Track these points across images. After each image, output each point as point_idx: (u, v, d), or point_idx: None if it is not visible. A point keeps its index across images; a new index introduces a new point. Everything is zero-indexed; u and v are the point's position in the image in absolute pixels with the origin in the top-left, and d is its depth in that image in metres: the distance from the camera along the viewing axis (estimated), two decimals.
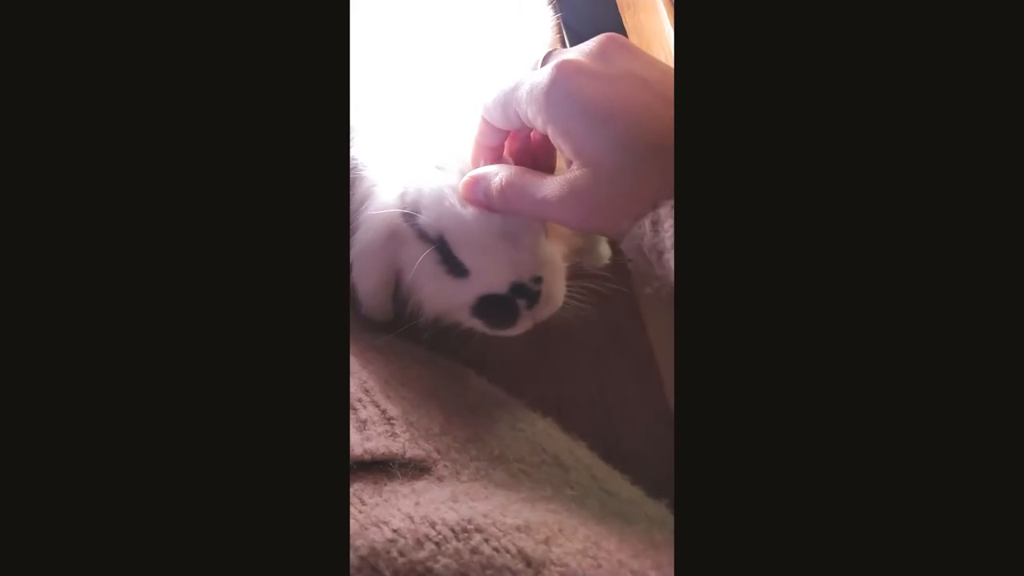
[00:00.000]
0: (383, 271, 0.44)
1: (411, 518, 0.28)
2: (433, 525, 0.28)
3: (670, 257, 0.29)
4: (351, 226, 0.44)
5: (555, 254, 0.42)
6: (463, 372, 0.46)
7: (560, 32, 0.52)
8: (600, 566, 0.28)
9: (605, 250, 0.51)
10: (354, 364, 0.38)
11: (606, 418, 0.51)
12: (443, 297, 0.43)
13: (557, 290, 0.41)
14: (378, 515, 0.28)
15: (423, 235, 0.41)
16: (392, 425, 0.34)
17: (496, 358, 0.48)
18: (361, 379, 0.36)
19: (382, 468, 0.32)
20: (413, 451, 0.33)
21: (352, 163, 0.43)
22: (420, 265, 0.41)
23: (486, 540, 0.27)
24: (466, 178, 0.38)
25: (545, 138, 0.34)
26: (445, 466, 0.33)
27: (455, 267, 0.41)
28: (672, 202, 0.29)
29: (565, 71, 0.32)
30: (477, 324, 0.42)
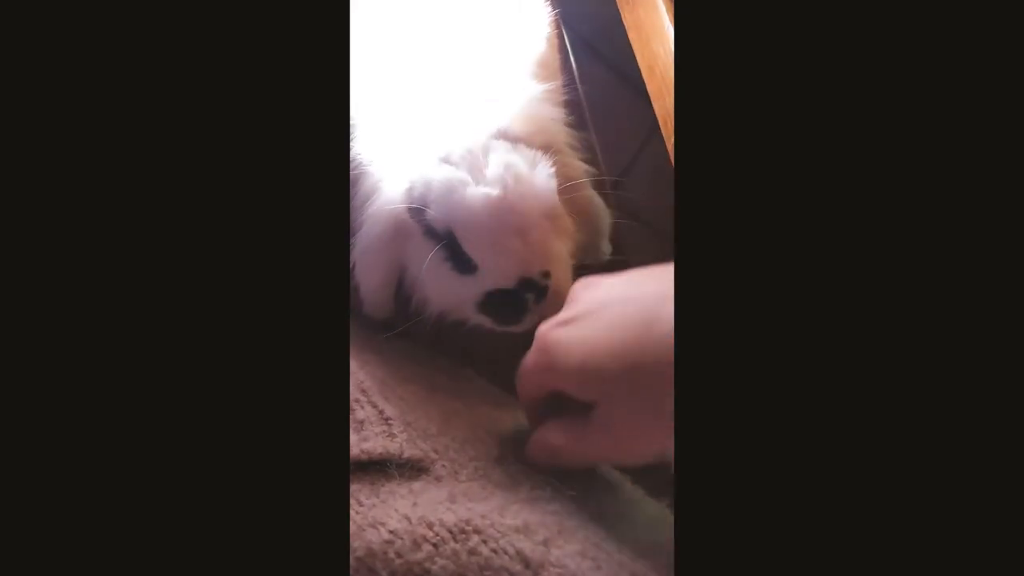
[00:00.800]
0: (387, 267, 0.44)
1: (409, 519, 0.27)
2: (431, 526, 0.27)
3: None
4: (356, 222, 0.44)
5: (563, 250, 0.42)
6: (462, 371, 0.46)
7: (559, 29, 0.52)
8: (600, 567, 0.27)
9: (606, 246, 0.51)
10: (351, 364, 0.38)
11: None
12: (449, 293, 0.42)
13: (564, 285, 0.41)
14: (375, 516, 0.28)
15: (430, 230, 0.41)
16: (389, 425, 0.33)
17: (495, 357, 0.48)
18: (358, 379, 0.35)
19: (379, 468, 0.31)
20: (411, 451, 0.33)
21: (355, 159, 0.43)
22: (420, 260, 0.41)
23: (484, 541, 0.27)
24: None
25: None
26: (443, 466, 0.33)
27: (462, 263, 0.40)
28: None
29: (543, 346, 0.33)
30: (484, 320, 0.42)
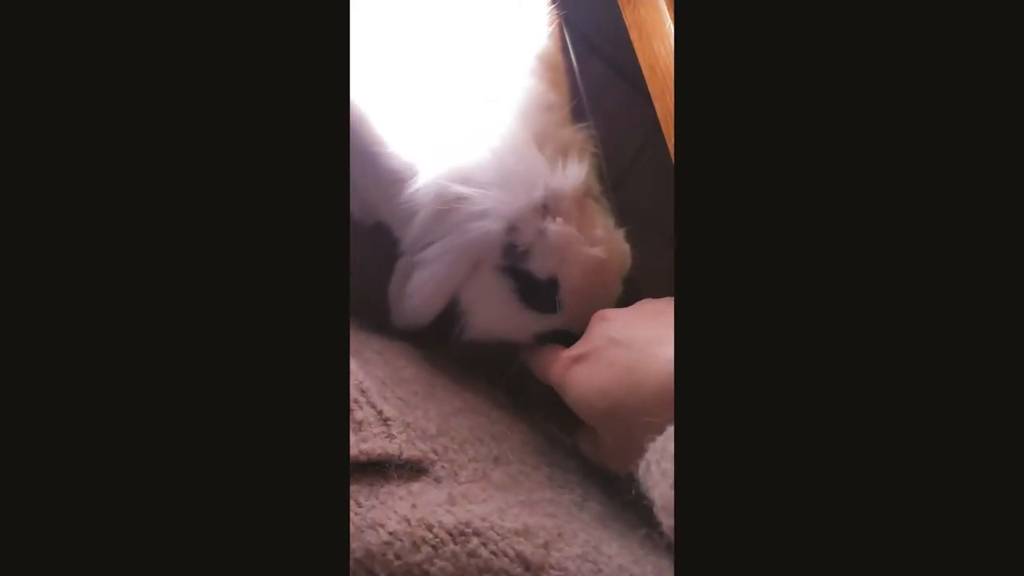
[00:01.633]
0: (451, 290, 0.45)
1: (408, 521, 0.27)
2: (430, 528, 0.27)
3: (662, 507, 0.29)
4: (421, 254, 0.45)
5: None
6: (461, 373, 0.46)
7: (560, 28, 0.52)
8: (600, 571, 0.27)
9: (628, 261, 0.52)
10: (351, 364, 0.38)
11: None
12: (511, 325, 0.46)
13: None
14: (374, 517, 0.28)
15: (522, 272, 0.44)
16: (388, 426, 0.33)
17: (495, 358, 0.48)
18: (357, 379, 0.35)
19: (378, 470, 0.31)
20: (410, 452, 0.32)
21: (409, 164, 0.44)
22: (487, 289, 0.45)
23: (484, 544, 0.27)
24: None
25: None
26: (442, 467, 0.33)
27: (546, 302, 0.44)
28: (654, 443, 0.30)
29: (558, 380, 0.41)
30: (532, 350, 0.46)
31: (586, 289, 0.44)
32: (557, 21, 0.50)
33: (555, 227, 0.43)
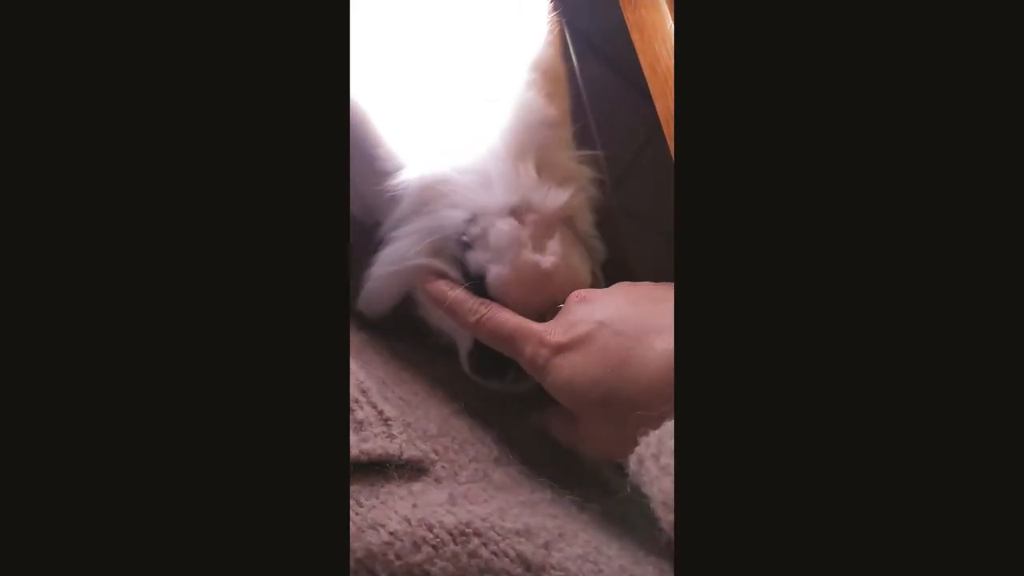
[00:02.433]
0: (406, 287, 0.45)
1: (408, 521, 0.27)
2: (431, 528, 0.27)
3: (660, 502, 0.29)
4: (392, 233, 0.44)
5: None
6: (461, 373, 0.46)
7: (560, 29, 0.52)
8: (601, 571, 0.27)
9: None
10: (351, 364, 0.38)
11: None
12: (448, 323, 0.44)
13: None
14: (375, 517, 0.28)
15: (463, 265, 0.42)
16: (389, 426, 0.33)
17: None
18: (358, 379, 0.35)
19: (379, 470, 0.31)
20: (410, 452, 0.32)
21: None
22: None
23: (484, 544, 0.27)
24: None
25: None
26: (443, 467, 0.33)
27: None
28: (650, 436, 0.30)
29: (552, 369, 0.38)
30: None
31: (520, 296, 0.41)
32: (558, 23, 0.50)
33: (503, 225, 0.41)
